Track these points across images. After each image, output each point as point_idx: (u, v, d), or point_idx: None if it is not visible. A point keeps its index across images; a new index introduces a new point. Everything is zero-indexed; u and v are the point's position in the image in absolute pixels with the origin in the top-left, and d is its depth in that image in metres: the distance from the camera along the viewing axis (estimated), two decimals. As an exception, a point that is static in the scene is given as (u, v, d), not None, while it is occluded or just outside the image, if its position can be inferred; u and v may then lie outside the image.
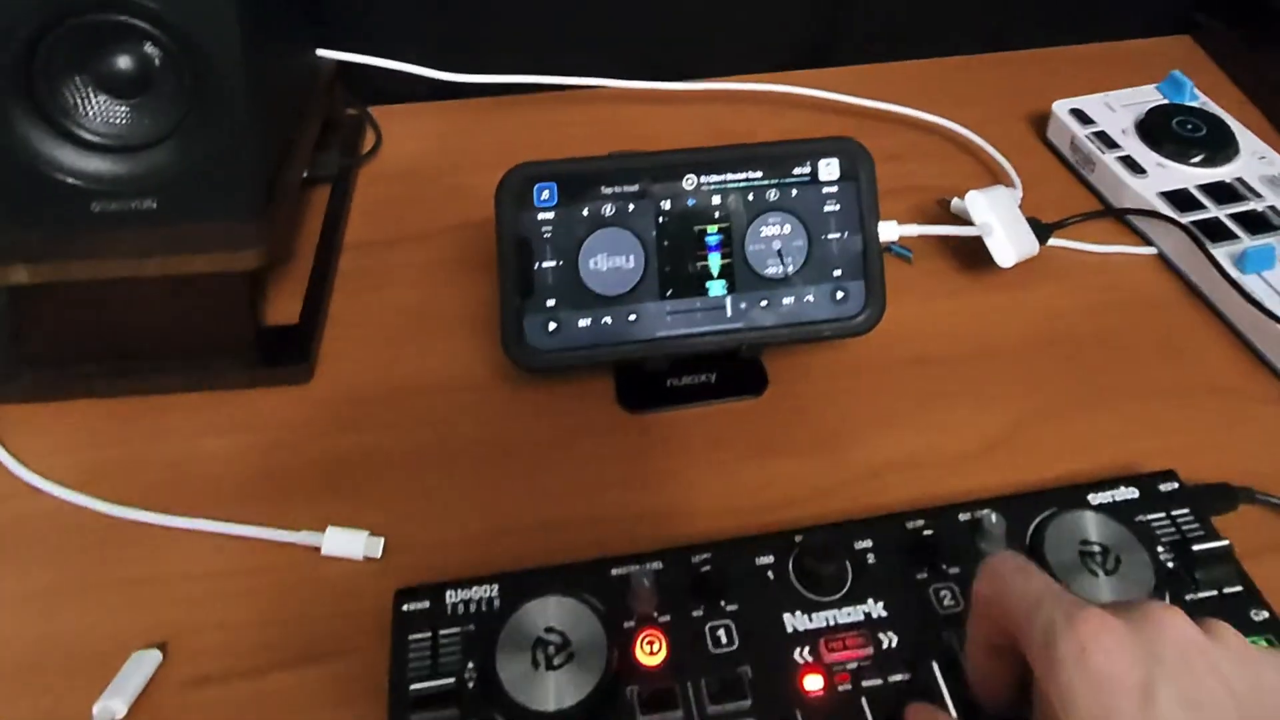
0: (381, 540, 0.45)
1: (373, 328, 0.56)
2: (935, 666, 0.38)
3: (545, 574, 0.41)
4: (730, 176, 0.50)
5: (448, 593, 0.41)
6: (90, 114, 0.46)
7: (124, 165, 0.47)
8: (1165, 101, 0.69)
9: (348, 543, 0.45)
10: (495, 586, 0.41)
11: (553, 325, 0.48)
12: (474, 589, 0.41)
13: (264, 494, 0.48)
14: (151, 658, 0.41)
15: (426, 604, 0.40)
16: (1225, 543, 0.41)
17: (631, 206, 0.49)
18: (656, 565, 0.42)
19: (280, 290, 0.57)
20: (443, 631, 0.40)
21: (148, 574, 0.44)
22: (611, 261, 0.49)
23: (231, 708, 0.40)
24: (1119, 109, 0.69)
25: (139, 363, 0.52)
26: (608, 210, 0.49)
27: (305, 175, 0.61)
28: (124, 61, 0.45)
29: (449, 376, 0.53)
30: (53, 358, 0.52)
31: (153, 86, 0.46)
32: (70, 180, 0.46)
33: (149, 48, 0.45)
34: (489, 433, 0.51)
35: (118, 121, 0.47)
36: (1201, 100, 0.70)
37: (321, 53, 0.66)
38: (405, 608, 0.40)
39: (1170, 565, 0.42)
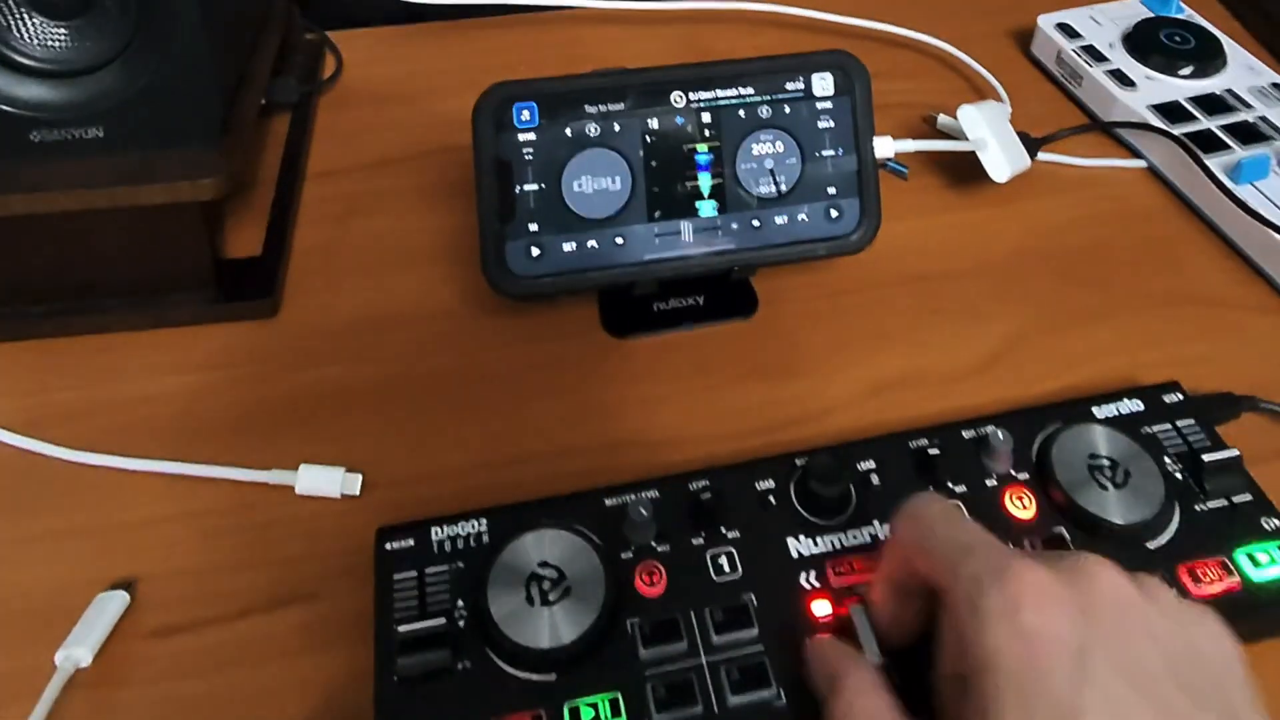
0: (359, 477, 0.43)
1: (340, 258, 0.53)
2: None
3: (535, 507, 0.39)
4: (720, 94, 0.47)
5: (433, 529, 0.39)
6: (25, 36, 0.43)
7: (65, 91, 0.44)
8: (1151, 15, 0.68)
9: (323, 480, 0.42)
10: (483, 521, 0.39)
11: (536, 250, 0.46)
12: (461, 524, 0.39)
13: (231, 433, 0.45)
14: (118, 599, 0.39)
15: (411, 542, 0.38)
16: (1235, 452, 0.40)
17: (617, 126, 0.46)
18: (653, 494, 0.40)
19: (240, 222, 0.54)
20: (429, 570, 0.38)
21: (109, 520, 0.42)
22: (597, 183, 0.46)
23: (204, 656, 0.38)
24: (1105, 22, 0.67)
25: (90, 301, 0.49)
26: (592, 130, 0.46)
27: (263, 102, 0.58)
28: (61, -23, 0.42)
29: (423, 307, 0.51)
30: (-5, 298, 0.49)
31: (94, 6, 0.43)
32: (6, 108, 0.43)
33: (90, -38, 0.42)
34: (467, 363, 0.48)
35: (56, 44, 0.43)
36: (1187, 13, 0.68)
37: (275, -28, 0.63)
38: (388, 546, 0.38)
39: (1179, 476, 0.41)
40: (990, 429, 0.41)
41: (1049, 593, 0.28)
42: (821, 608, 0.37)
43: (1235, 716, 0.27)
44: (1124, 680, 0.27)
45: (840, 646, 0.34)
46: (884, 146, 0.50)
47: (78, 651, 0.37)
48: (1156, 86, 0.62)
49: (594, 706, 0.34)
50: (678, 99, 0.47)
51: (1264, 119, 0.59)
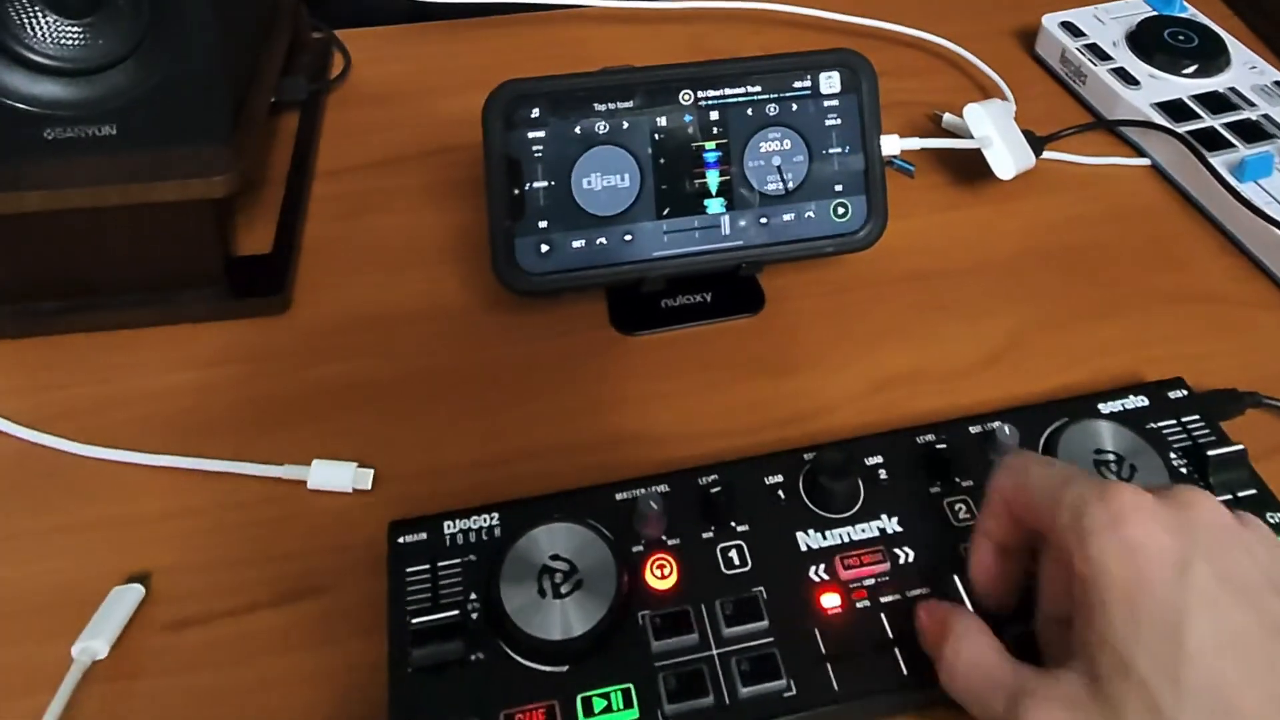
0: (370, 472, 0.43)
1: (350, 256, 0.53)
2: (956, 580, 0.36)
3: (547, 501, 0.40)
4: (728, 92, 0.48)
5: (445, 523, 0.39)
6: (39, 35, 0.43)
7: (79, 89, 0.44)
8: (1154, 13, 0.68)
9: (335, 475, 0.43)
10: (495, 515, 0.39)
11: (545, 247, 0.46)
12: (473, 518, 0.39)
13: (243, 428, 0.45)
14: (133, 592, 0.39)
15: (423, 535, 0.39)
16: (1239, 447, 0.41)
17: (625, 124, 0.47)
18: (663, 488, 0.40)
19: (251, 219, 0.54)
20: (442, 563, 0.38)
21: (122, 515, 0.42)
22: (605, 180, 0.47)
23: (218, 648, 0.38)
24: (1108, 21, 0.67)
25: (103, 297, 0.49)
26: (601, 128, 0.47)
27: (272, 100, 0.58)
28: (73, -23, 0.42)
29: (432, 303, 0.51)
30: (6, 294, 0.49)
31: (106, 4, 0.43)
32: (20, 106, 0.43)
33: (101, -38, 0.42)
34: (477, 359, 0.49)
35: (70, 43, 0.43)
36: (1190, 12, 0.69)
37: (283, -29, 0.63)
38: (401, 540, 0.39)
39: (1184, 471, 0.41)
40: (997, 424, 0.41)
41: (1150, 509, 0.29)
42: (830, 600, 0.37)
43: None
44: (1225, 587, 0.28)
45: (946, 603, 0.35)
46: (890, 144, 0.50)
47: (94, 644, 0.37)
48: (1160, 85, 0.62)
49: (606, 698, 0.34)
50: (686, 97, 0.47)
51: (1267, 117, 0.59)
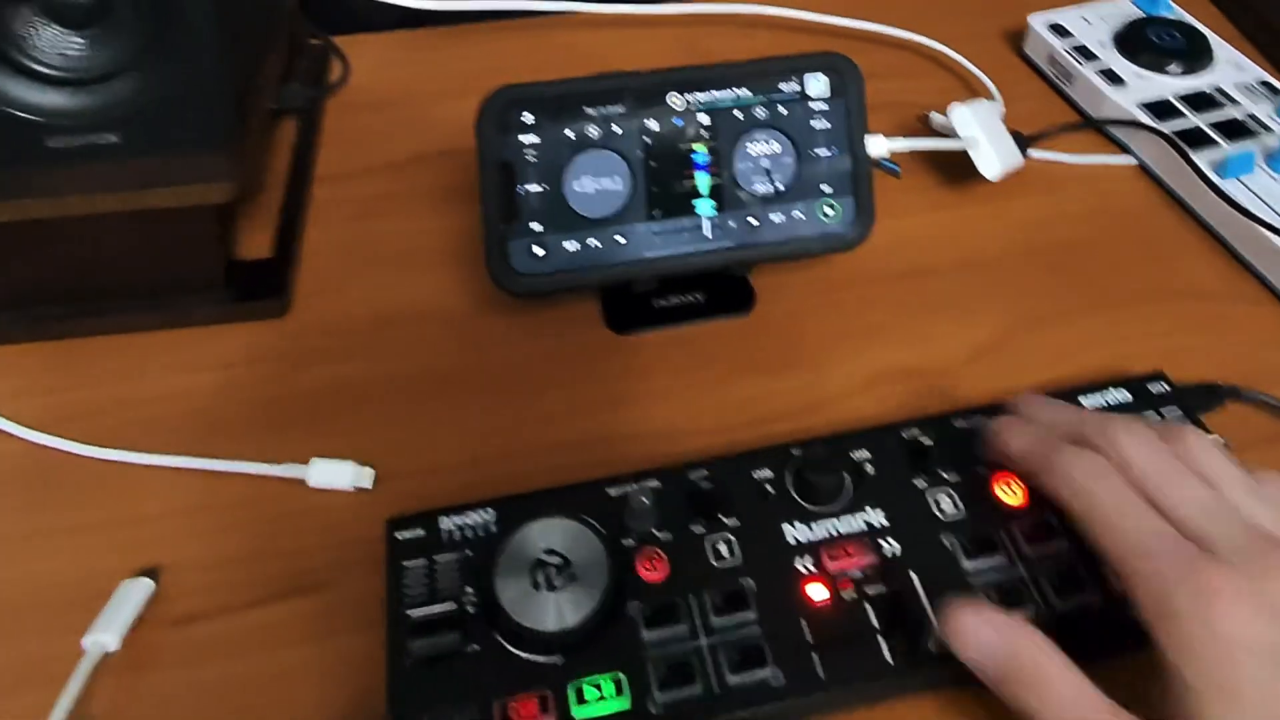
0: (369, 470, 0.44)
1: (349, 259, 0.54)
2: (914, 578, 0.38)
3: (541, 497, 0.41)
4: (717, 95, 0.49)
5: (442, 519, 0.40)
6: (42, 45, 0.44)
7: (81, 99, 0.45)
8: (1141, 14, 0.69)
9: (335, 473, 0.44)
10: (491, 511, 0.40)
11: (538, 249, 0.47)
12: (469, 514, 0.40)
13: (244, 429, 0.46)
14: (143, 586, 0.40)
15: (420, 531, 0.40)
16: (1220, 440, 0.42)
17: (617, 128, 0.48)
18: (654, 484, 0.41)
19: (251, 224, 0.55)
20: (438, 558, 0.39)
21: (128, 514, 0.43)
22: (598, 184, 0.48)
23: (224, 643, 0.39)
24: (1095, 22, 0.68)
25: (105, 302, 0.50)
26: (593, 132, 0.48)
27: (272, 107, 0.59)
28: (75, -12, 0.43)
29: (430, 306, 0.52)
30: (12, 300, 0.50)
31: (109, 15, 0.44)
32: (23, 115, 0.44)
33: (103, -27, 0.43)
34: (474, 360, 0.50)
35: (72, 53, 0.44)
36: (1176, 12, 0.69)
37: (281, -20, 0.64)
38: (399, 536, 0.39)
39: (1164, 464, 0.42)
40: (981, 419, 0.42)
41: (1242, 596, 0.28)
42: (818, 591, 0.38)
43: None
44: None
45: (1014, 622, 0.33)
46: (877, 145, 0.51)
47: (105, 637, 0.38)
48: (1146, 84, 0.63)
49: (598, 687, 0.35)
50: (675, 101, 0.48)
51: (1250, 115, 0.60)
